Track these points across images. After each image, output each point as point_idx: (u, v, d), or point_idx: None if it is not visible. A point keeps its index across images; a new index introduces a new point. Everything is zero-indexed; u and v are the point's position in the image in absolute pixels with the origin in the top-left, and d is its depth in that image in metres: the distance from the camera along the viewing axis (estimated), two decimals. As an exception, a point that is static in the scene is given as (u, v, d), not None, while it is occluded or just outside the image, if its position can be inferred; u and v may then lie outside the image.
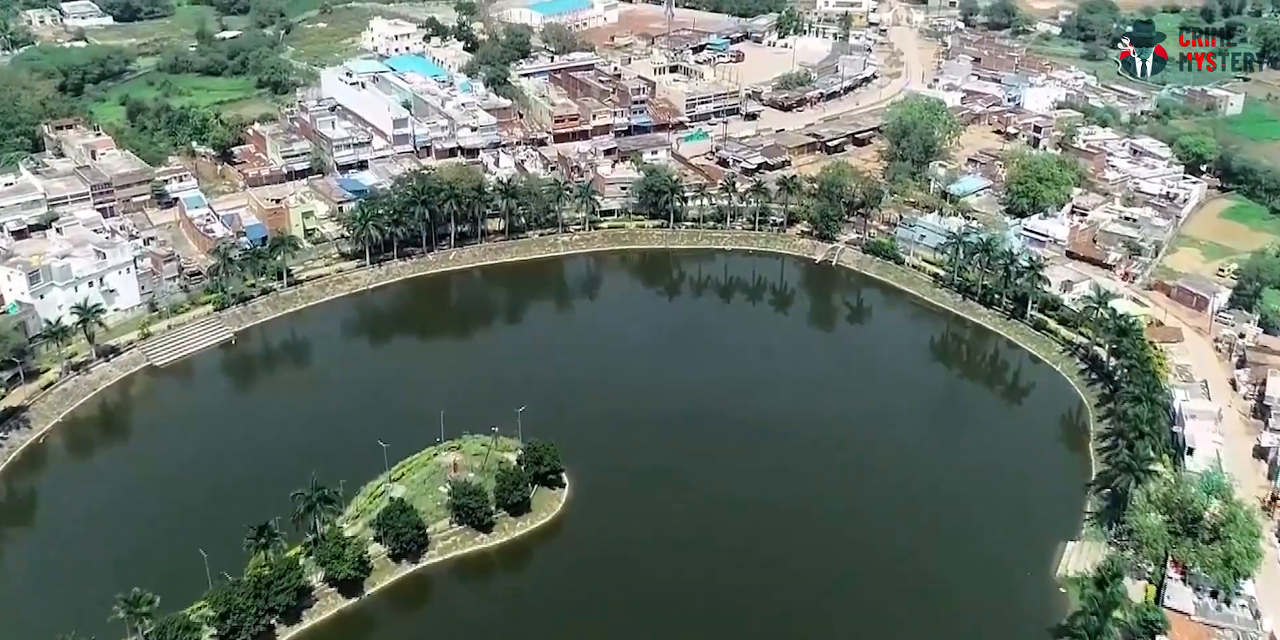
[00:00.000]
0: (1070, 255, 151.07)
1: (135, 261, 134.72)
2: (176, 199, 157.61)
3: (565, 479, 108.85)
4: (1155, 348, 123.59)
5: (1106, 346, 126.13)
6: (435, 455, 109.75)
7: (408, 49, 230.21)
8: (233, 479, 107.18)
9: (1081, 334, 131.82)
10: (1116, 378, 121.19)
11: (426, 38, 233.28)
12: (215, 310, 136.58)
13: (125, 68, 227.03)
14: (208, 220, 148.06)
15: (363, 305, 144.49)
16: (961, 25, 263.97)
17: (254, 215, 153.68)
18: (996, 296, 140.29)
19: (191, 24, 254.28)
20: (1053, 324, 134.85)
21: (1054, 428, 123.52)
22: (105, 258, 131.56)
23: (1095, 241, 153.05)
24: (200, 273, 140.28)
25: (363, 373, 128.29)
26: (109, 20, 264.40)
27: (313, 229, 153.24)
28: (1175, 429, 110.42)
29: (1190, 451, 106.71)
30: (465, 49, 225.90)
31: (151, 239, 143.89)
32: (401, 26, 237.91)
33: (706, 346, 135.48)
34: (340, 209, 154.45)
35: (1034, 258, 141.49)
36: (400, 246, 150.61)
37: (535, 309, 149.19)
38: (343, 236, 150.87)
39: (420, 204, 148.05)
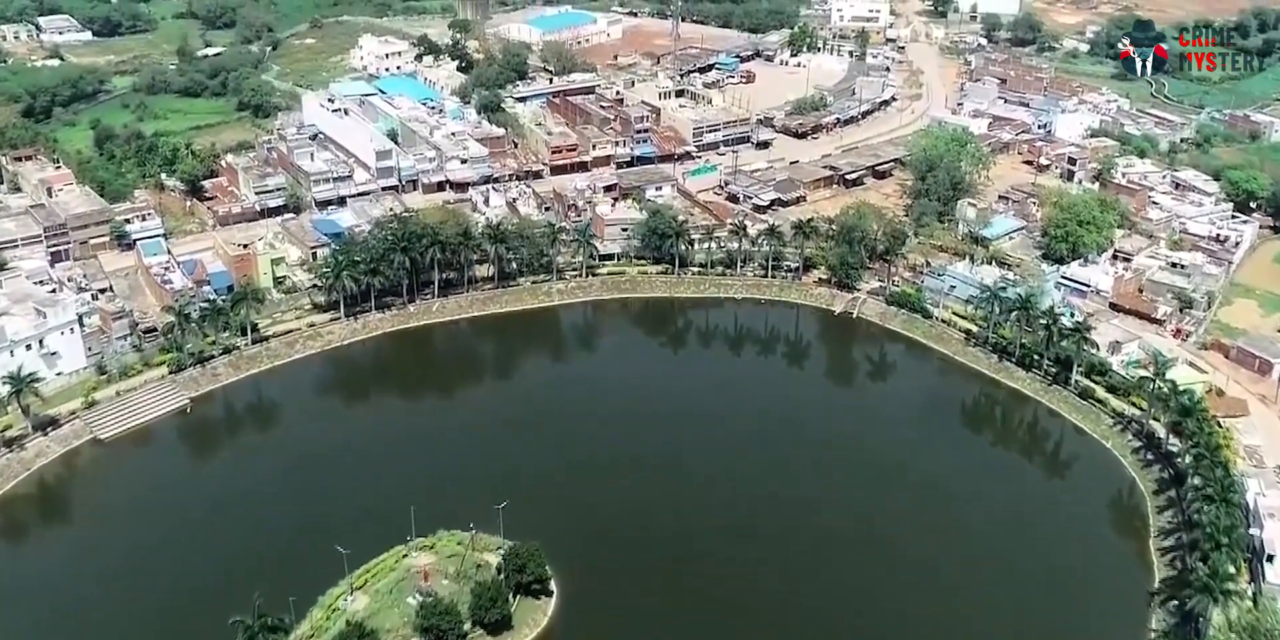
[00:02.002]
0: (1114, 307, 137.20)
1: (81, 319, 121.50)
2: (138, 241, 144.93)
3: (552, 586, 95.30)
4: (1220, 425, 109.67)
5: (1164, 422, 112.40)
6: (405, 555, 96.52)
7: (399, 68, 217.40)
8: (170, 585, 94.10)
9: (1133, 404, 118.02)
10: (1178, 462, 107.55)
11: (418, 57, 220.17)
12: (170, 373, 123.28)
13: (99, 88, 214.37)
14: (166, 269, 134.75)
15: (335, 365, 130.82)
16: (984, 41, 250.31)
17: (220, 260, 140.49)
18: (1036, 358, 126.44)
19: (174, 39, 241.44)
20: (1100, 392, 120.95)
21: (1106, 515, 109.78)
22: (46, 317, 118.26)
23: (1141, 292, 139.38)
24: (156, 329, 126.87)
25: (330, 449, 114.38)
26: (88, 35, 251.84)
27: (283, 277, 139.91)
28: (1252, 531, 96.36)
29: (1270, 559, 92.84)
30: (459, 69, 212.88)
31: (103, 291, 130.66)
32: (392, 44, 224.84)
33: (714, 413, 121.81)
34: (314, 255, 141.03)
35: (1077, 316, 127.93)
36: (379, 296, 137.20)
37: (525, 368, 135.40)
38: (315, 286, 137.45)
39: (400, 251, 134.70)
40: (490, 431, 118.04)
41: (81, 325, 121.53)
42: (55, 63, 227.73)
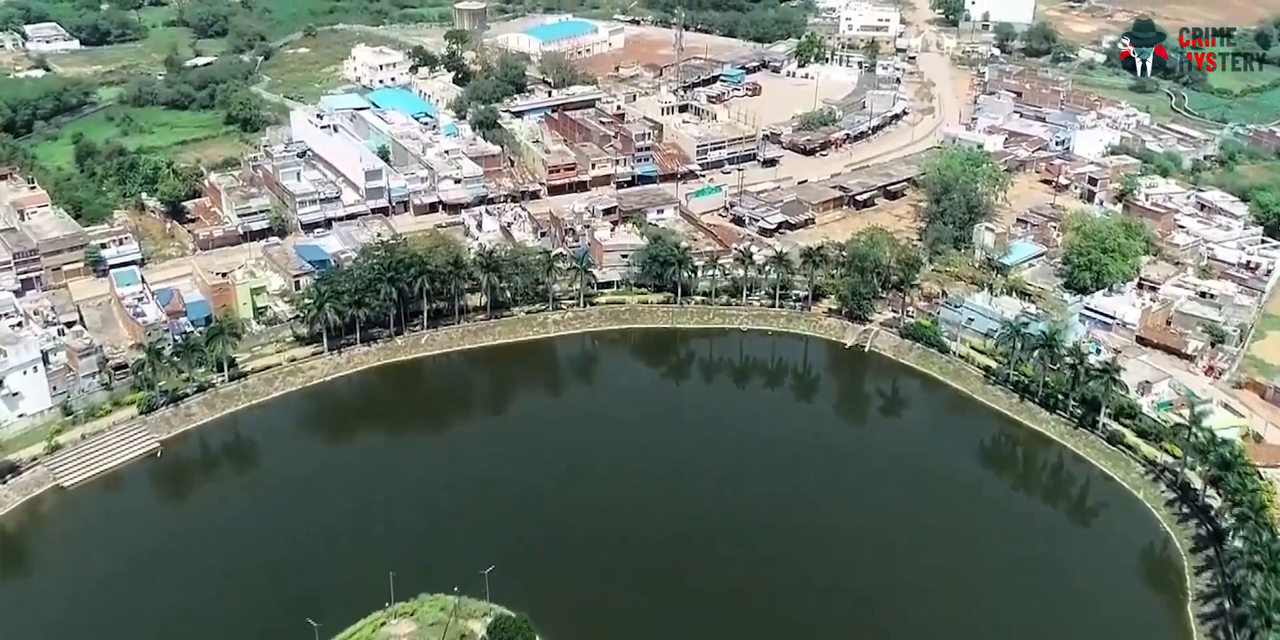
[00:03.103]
0: (1141, 341, 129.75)
1: (46, 357, 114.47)
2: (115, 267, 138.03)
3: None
4: (1261, 478, 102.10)
5: (1201, 474, 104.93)
6: (384, 624, 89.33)
7: (393, 80, 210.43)
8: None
9: (1166, 451, 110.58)
10: (1217, 518, 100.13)
11: (413, 68, 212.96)
12: (140, 413, 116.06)
13: (84, 100, 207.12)
14: (139, 300, 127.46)
15: (317, 403, 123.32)
16: (997, 52, 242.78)
17: (198, 288, 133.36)
18: (1060, 398, 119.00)
19: (165, 48, 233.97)
20: (1130, 436, 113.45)
21: (1137, 574, 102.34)
22: (6, 356, 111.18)
23: (1170, 324, 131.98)
24: (127, 365, 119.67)
25: (308, 498, 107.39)
26: (75, 44, 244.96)
27: (264, 307, 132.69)
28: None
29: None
30: (456, 81, 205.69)
31: (70, 325, 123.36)
32: (386, 55, 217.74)
33: (720, 456, 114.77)
34: (296, 284, 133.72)
35: (1103, 352, 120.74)
36: (365, 328, 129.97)
37: (518, 406, 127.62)
38: (297, 317, 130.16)
39: (387, 282, 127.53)
40: (481, 476, 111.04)
41: (46, 363, 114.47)
42: (40, 73, 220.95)
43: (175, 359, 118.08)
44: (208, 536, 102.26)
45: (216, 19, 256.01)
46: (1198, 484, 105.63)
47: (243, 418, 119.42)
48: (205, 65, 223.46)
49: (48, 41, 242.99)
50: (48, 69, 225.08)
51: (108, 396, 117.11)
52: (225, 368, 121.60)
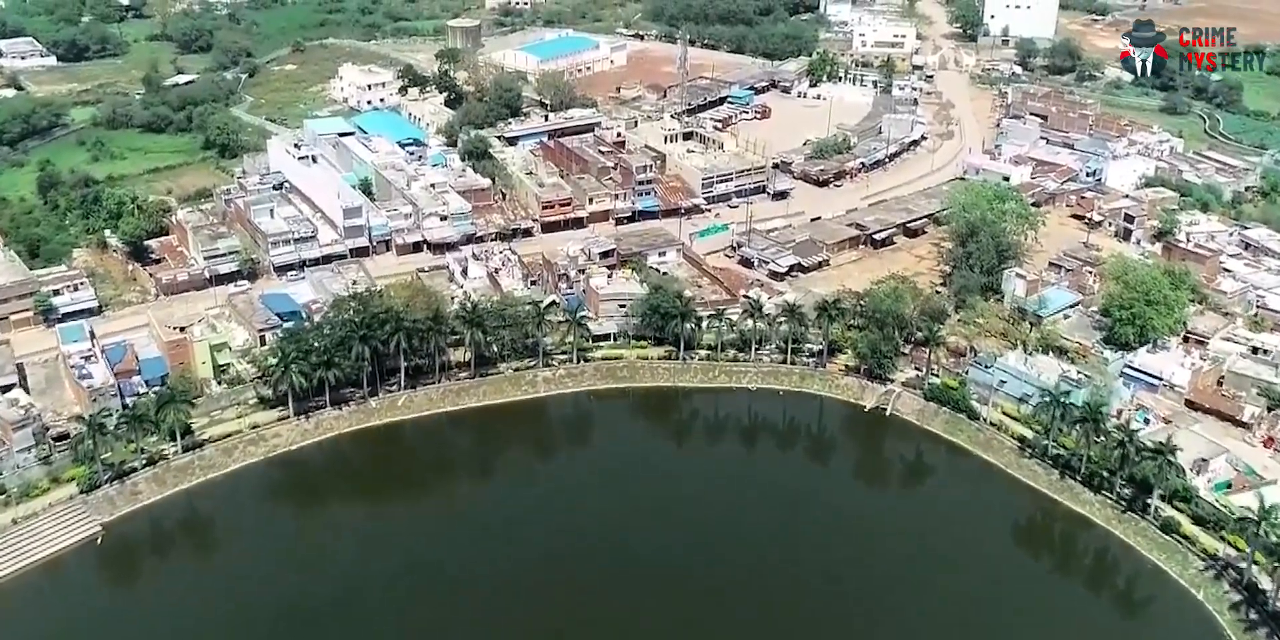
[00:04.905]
0: (1190, 405, 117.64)
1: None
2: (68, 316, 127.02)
3: None
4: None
5: (1272, 573, 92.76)
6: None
7: (381, 101, 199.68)
8: None
9: (1228, 541, 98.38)
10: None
11: (403, 89, 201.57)
12: (81, 492, 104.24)
13: (55, 122, 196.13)
14: (87, 359, 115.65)
15: (281, 476, 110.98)
16: (1018, 69, 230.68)
17: (155, 343, 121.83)
18: (1106, 473, 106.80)
19: (145, 65, 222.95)
20: (1186, 524, 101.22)
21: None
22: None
23: (1221, 384, 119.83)
24: (69, 435, 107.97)
25: (267, 590, 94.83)
26: (52, 61, 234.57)
27: (226, 364, 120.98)
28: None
29: None
30: (447, 102, 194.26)
31: (9, 388, 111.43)
32: (375, 75, 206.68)
33: (727, 536, 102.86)
34: (262, 339, 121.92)
35: (1153, 422, 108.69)
36: (336, 388, 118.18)
37: (503, 479, 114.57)
38: (262, 377, 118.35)
39: (359, 340, 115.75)
40: (464, 560, 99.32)
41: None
42: (11, 93, 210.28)
43: (122, 429, 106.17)
44: (154, 636, 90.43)
45: (201, 33, 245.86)
46: (1267, 584, 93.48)
47: (197, 494, 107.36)
48: (186, 84, 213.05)
49: (23, 57, 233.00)
50: (20, 88, 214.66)
51: (45, 472, 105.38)
52: (179, 437, 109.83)
